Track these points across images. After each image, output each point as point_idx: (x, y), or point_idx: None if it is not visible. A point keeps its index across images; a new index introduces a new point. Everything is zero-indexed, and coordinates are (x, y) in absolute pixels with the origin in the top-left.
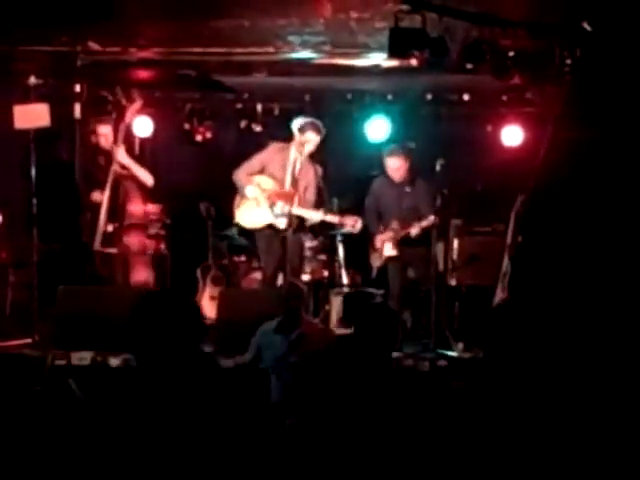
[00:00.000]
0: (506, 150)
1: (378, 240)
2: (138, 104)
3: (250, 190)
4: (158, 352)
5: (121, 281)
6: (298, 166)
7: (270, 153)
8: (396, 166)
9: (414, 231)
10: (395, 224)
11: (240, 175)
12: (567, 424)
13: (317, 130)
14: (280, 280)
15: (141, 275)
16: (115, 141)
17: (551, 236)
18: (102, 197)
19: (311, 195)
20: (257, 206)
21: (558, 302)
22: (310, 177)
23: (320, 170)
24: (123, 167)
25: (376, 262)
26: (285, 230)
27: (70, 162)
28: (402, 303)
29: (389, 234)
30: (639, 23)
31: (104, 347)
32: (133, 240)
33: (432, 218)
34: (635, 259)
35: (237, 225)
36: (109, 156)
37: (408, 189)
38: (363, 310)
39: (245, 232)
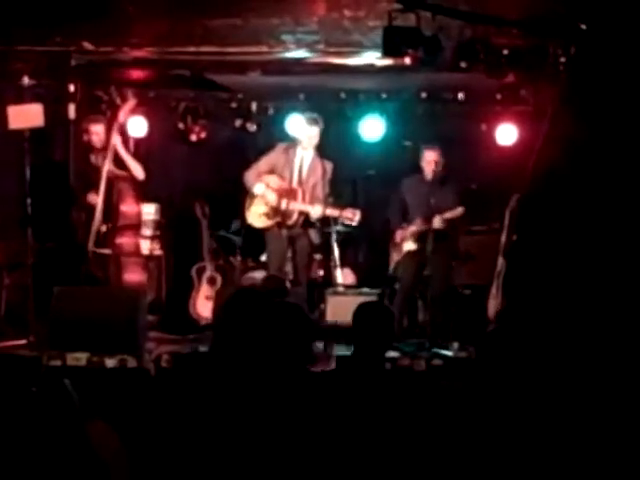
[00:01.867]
0: (501, 148)
1: (399, 235)
2: (132, 103)
3: (258, 188)
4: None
5: (116, 282)
6: (306, 164)
7: (277, 153)
8: (433, 159)
9: (437, 223)
10: (418, 219)
11: (249, 176)
12: (564, 424)
13: (313, 121)
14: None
15: (134, 276)
16: (109, 133)
17: (546, 234)
18: (97, 198)
19: (320, 192)
20: (265, 204)
21: (552, 300)
22: (318, 174)
23: (330, 166)
24: (117, 161)
25: (396, 257)
26: (292, 227)
27: (64, 162)
28: (409, 299)
29: (411, 229)
30: (633, 21)
31: (100, 348)
32: (126, 241)
33: (459, 210)
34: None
35: (249, 226)
36: (103, 156)
37: (438, 188)
38: (358, 308)
39: (240, 231)
